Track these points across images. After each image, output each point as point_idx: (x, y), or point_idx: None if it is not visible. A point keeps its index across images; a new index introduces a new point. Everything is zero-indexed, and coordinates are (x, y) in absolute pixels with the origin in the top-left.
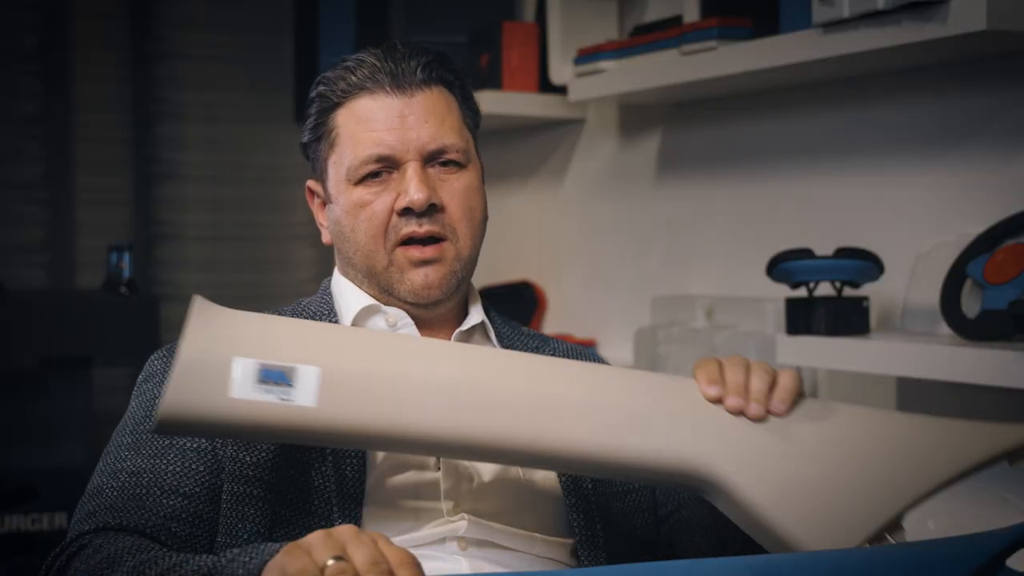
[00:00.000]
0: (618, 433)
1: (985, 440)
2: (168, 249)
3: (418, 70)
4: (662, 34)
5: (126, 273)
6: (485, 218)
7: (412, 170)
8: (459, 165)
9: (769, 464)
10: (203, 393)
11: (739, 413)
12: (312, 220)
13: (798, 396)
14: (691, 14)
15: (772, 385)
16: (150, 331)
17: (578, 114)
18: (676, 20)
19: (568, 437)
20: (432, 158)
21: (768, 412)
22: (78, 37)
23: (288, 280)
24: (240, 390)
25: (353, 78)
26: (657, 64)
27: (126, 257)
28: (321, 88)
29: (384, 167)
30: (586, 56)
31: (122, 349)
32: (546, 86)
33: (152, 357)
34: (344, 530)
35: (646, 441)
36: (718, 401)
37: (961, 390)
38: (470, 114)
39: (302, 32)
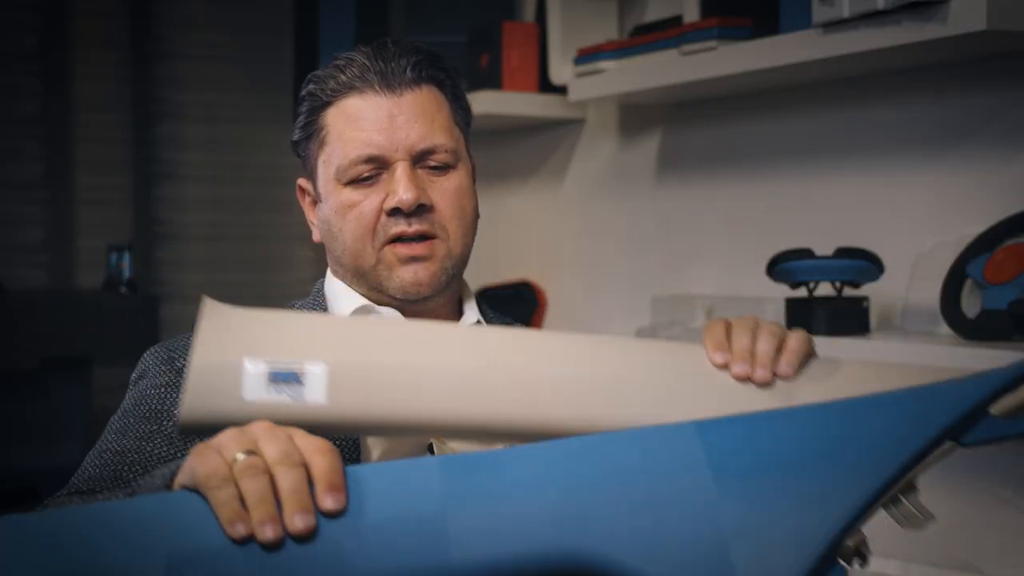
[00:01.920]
0: (623, 407)
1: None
2: (168, 249)
3: (407, 69)
4: (662, 34)
5: (126, 273)
6: (476, 217)
7: (401, 170)
8: (449, 165)
9: None
10: (217, 397)
11: (746, 379)
12: None
13: (808, 357)
14: (691, 14)
15: (780, 347)
16: (150, 331)
17: (578, 114)
18: (676, 20)
19: (581, 415)
20: (421, 158)
21: (775, 375)
22: (78, 37)
23: (288, 280)
24: (252, 392)
25: (343, 77)
26: (657, 64)
27: (126, 257)
28: (311, 87)
29: (374, 167)
30: (586, 56)
31: (122, 349)
32: (546, 86)
33: (145, 354)
34: (257, 425)
35: (648, 413)
36: (724, 367)
37: None
38: (461, 112)
39: (302, 32)
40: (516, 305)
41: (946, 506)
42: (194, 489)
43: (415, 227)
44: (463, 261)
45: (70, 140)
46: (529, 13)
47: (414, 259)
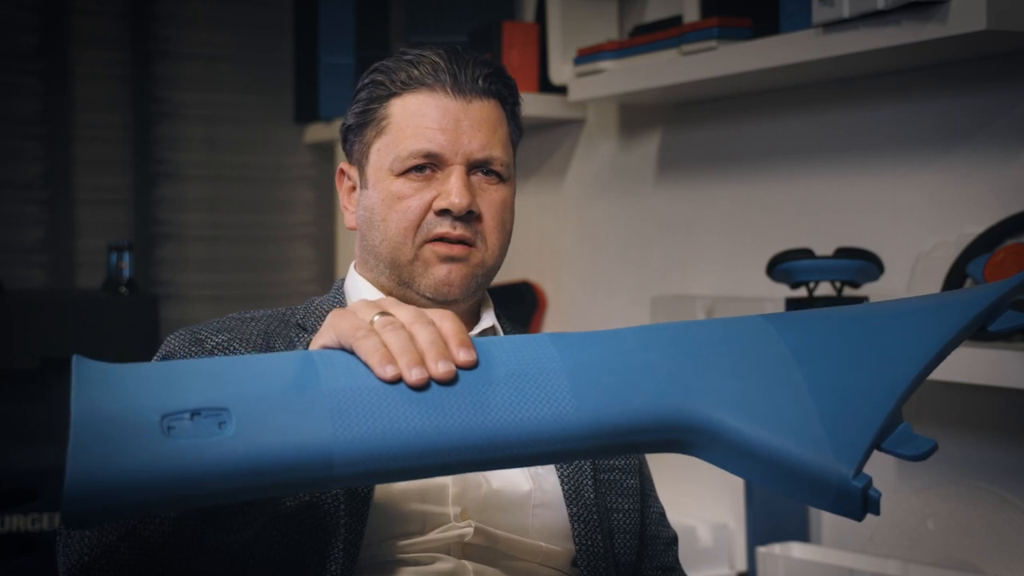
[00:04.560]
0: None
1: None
2: (168, 249)
3: (479, 79)
4: (662, 34)
5: (126, 273)
6: (511, 233)
7: (456, 175)
8: (501, 178)
9: None
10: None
11: None
12: (313, 221)
13: None
14: (691, 14)
15: None
16: (150, 331)
17: (578, 114)
18: (676, 20)
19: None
20: (477, 166)
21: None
22: (78, 37)
23: (288, 280)
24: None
25: (415, 72)
26: (657, 64)
27: (126, 257)
28: (377, 76)
29: (429, 163)
30: (586, 56)
31: (122, 349)
32: (546, 86)
33: (169, 338)
34: (384, 298)
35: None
36: None
37: (961, 390)
38: (516, 133)
39: (302, 32)
40: (516, 305)
41: (946, 506)
42: (338, 347)
43: (459, 231)
44: (493, 272)
45: (70, 140)
46: (529, 13)
47: (452, 259)
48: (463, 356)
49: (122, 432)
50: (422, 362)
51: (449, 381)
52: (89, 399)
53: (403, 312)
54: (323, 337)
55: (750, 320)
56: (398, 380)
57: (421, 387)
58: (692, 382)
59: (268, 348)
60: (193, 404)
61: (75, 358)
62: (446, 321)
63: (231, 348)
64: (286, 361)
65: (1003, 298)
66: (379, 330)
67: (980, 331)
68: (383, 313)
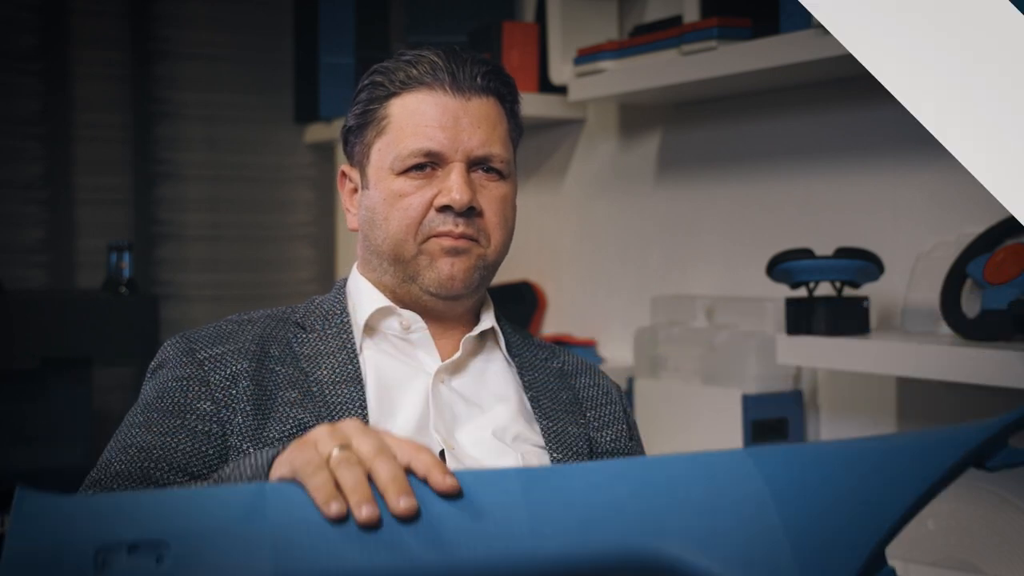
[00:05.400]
0: None
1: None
2: (168, 249)
3: (478, 77)
4: (662, 34)
5: (126, 273)
6: (513, 231)
7: (457, 171)
8: (501, 175)
9: None
10: None
11: None
12: (313, 221)
13: None
14: (691, 14)
15: None
16: (150, 331)
17: (578, 114)
18: (676, 20)
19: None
20: (477, 163)
21: None
22: (78, 37)
23: (288, 280)
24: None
25: (414, 71)
26: (657, 64)
27: (126, 257)
28: (376, 77)
29: (430, 162)
30: (586, 56)
31: (122, 349)
32: (546, 86)
33: (165, 344)
34: (348, 423)
35: None
36: None
37: (961, 390)
38: (516, 130)
39: (302, 32)
40: (516, 305)
41: (946, 506)
42: (293, 480)
43: (461, 228)
44: (494, 269)
45: (70, 140)
46: (529, 13)
47: (456, 251)
48: (450, 482)
49: (54, 569)
50: (372, 500)
51: (412, 518)
52: (24, 534)
53: (365, 444)
54: (280, 468)
55: (729, 455)
56: (343, 518)
57: (371, 525)
58: (660, 521)
59: (263, 354)
60: (131, 537)
61: (18, 491)
62: (422, 453)
63: (224, 361)
64: (236, 494)
65: (999, 435)
66: (333, 467)
67: (975, 332)
68: (343, 446)
